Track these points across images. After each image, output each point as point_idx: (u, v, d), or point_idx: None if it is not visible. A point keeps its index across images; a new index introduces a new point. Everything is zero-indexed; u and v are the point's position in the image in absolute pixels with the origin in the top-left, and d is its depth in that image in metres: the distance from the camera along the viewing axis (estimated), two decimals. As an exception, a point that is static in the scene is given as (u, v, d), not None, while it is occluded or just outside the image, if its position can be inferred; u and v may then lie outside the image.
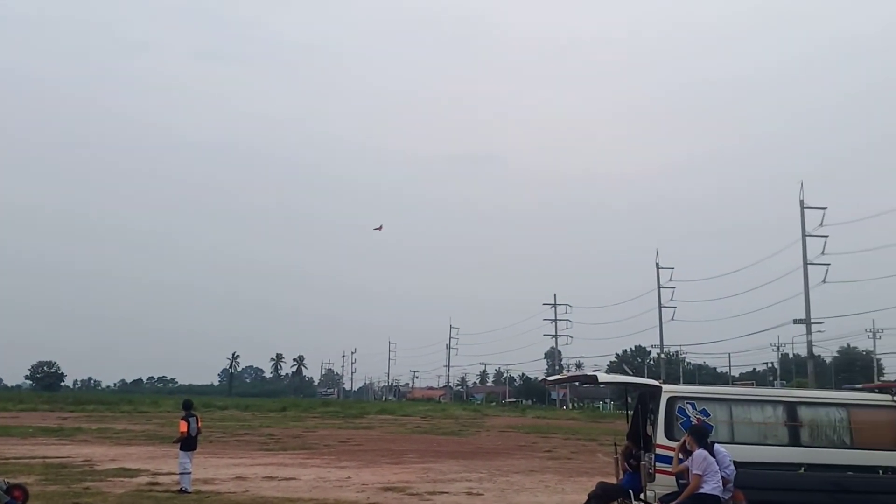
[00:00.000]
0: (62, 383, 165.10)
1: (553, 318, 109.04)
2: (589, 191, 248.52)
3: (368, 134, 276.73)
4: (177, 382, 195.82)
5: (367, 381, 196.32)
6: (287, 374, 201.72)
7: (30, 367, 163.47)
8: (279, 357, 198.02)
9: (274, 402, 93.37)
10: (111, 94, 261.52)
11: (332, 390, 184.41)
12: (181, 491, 16.16)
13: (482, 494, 17.02)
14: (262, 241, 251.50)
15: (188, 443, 16.88)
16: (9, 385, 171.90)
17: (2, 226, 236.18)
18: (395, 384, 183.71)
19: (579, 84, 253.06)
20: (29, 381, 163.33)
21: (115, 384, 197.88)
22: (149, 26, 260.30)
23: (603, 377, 13.75)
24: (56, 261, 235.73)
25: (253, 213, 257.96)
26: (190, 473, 16.59)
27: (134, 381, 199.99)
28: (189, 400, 18.56)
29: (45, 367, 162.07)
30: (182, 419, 17.25)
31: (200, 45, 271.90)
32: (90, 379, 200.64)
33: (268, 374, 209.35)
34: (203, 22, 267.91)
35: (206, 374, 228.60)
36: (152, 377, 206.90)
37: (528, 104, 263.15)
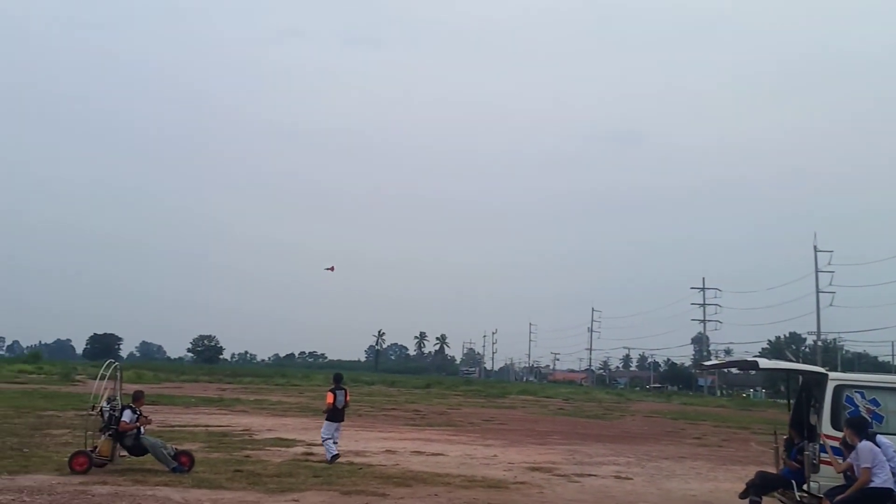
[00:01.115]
0: (221, 356, 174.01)
1: (701, 302, 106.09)
2: (740, 168, 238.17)
3: (511, 115, 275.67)
4: (326, 358, 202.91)
5: (508, 362, 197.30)
6: (430, 352, 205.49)
7: (191, 341, 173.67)
8: (422, 335, 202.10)
9: (418, 380, 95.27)
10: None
11: (473, 369, 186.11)
12: (332, 459, 16.69)
13: (631, 479, 16.68)
14: (404, 224, 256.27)
15: (335, 414, 17.32)
16: (172, 357, 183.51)
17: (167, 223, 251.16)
18: (535, 365, 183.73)
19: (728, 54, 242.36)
20: (190, 354, 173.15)
21: (269, 358, 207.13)
22: (298, 13, 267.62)
23: (764, 363, 13.13)
24: (217, 250, 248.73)
25: (395, 197, 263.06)
26: (330, 441, 16.96)
27: (287, 355, 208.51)
28: (339, 373, 18.94)
29: (205, 341, 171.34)
30: (330, 391, 17.73)
31: (349, 30, 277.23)
32: (246, 353, 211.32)
33: (411, 352, 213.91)
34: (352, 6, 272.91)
35: (353, 350, 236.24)
36: (304, 352, 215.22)
37: (671, 80, 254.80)
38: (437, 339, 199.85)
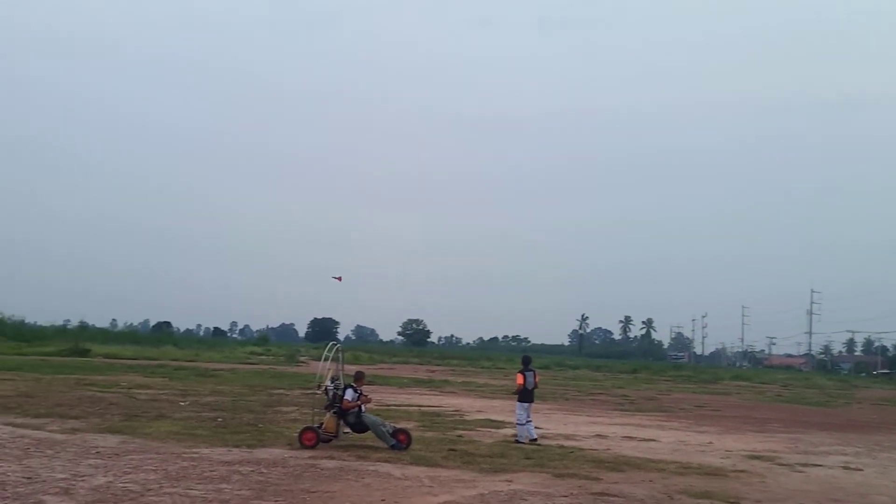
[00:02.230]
0: (428, 339, 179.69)
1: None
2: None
3: (716, 84, 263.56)
4: (529, 341, 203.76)
5: (720, 347, 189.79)
6: (635, 336, 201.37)
7: (401, 325, 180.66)
8: (628, 319, 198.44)
9: (624, 364, 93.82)
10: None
11: (682, 354, 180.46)
12: (517, 441, 16.89)
13: (861, 470, 15.57)
14: (605, 206, 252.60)
15: (526, 395, 17.56)
16: (384, 340, 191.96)
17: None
18: (749, 350, 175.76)
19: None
20: (400, 337, 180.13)
21: (473, 341, 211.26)
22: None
23: None
24: (426, 235, 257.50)
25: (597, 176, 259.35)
26: (524, 425, 17.22)
27: (490, 339, 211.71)
28: (528, 356, 19.47)
29: (413, 325, 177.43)
30: (519, 372, 18.01)
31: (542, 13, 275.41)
32: (452, 336, 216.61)
33: (616, 336, 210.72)
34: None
35: (556, 334, 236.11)
36: (507, 336, 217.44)
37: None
38: (644, 323, 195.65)
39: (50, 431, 15.29)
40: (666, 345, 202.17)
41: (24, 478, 10.52)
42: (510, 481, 12.14)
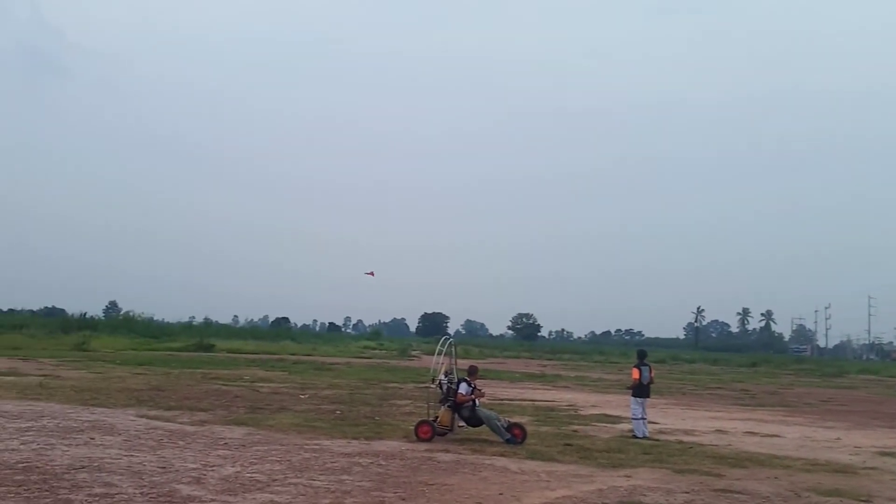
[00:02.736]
0: (539, 333, 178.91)
1: None
2: None
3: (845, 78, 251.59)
4: (643, 335, 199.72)
5: (845, 339, 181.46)
6: (754, 329, 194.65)
7: (511, 319, 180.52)
8: (746, 312, 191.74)
9: (742, 358, 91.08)
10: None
11: (805, 347, 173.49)
12: (634, 437, 16.62)
13: None
14: (719, 194, 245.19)
15: (641, 390, 17.28)
16: (493, 334, 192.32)
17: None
18: (876, 342, 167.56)
19: None
20: (510, 332, 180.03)
21: (585, 335, 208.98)
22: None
23: None
24: (535, 228, 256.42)
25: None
26: (641, 420, 16.97)
27: (603, 333, 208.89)
28: (643, 350, 19.11)
29: (524, 319, 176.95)
30: (635, 367, 17.72)
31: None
32: (563, 330, 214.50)
33: (734, 329, 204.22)
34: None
35: (671, 327, 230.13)
36: (619, 330, 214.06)
37: None
38: (763, 315, 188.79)
39: (180, 423, 16.03)
40: (787, 337, 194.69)
41: (158, 467, 11.06)
42: (629, 477, 11.96)
